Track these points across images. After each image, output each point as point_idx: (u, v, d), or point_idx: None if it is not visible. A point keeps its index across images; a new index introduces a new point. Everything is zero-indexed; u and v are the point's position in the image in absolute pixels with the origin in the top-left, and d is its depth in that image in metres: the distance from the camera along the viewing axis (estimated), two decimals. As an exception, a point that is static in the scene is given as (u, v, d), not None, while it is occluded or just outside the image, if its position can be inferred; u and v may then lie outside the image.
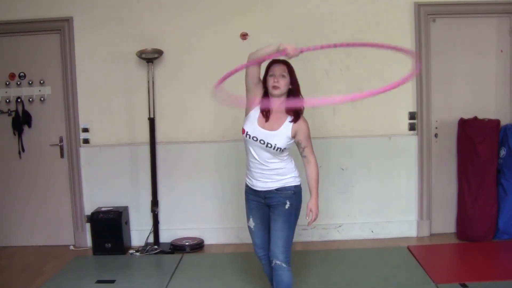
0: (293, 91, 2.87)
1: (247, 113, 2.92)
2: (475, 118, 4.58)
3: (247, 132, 2.84)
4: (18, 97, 4.75)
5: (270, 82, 2.83)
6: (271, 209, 2.91)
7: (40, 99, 4.77)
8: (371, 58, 4.53)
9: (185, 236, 4.74)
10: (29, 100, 4.76)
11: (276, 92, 2.82)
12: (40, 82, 4.75)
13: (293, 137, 2.85)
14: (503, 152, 4.55)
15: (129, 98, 4.72)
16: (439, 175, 4.76)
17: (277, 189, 2.87)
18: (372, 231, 4.76)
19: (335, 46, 2.54)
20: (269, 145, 2.80)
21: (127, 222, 4.69)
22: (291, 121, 2.83)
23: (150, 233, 4.69)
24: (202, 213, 4.77)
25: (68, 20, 4.63)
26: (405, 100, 4.69)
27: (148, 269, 4.23)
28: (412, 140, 4.70)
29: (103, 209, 4.61)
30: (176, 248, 4.59)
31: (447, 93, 4.72)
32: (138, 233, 4.76)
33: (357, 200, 4.75)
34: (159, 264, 4.40)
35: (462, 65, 4.66)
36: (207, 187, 4.74)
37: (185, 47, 4.65)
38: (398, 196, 4.74)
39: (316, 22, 4.55)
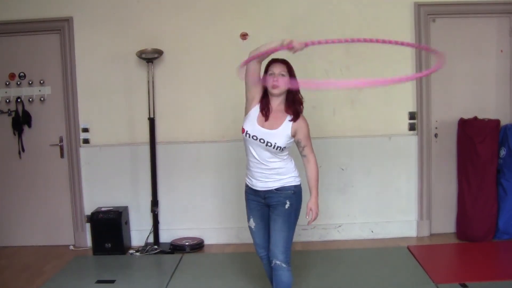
0: (293, 90, 2.87)
1: (246, 112, 2.92)
2: (475, 118, 4.58)
3: (246, 131, 2.85)
4: (18, 97, 4.75)
5: (270, 81, 2.83)
6: (271, 209, 2.91)
7: (40, 99, 4.77)
8: (371, 58, 4.53)
9: (185, 236, 4.74)
10: (29, 100, 4.76)
11: (275, 91, 2.82)
12: (40, 82, 4.75)
13: (293, 136, 2.85)
14: (503, 152, 4.55)
15: (129, 98, 4.72)
16: (439, 175, 4.76)
17: (277, 189, 2.87)
18: (372, 231, 4.76)
19: (339, 41, 2.52)
20: (269, 144, 2.80)
21: (127, 222, 4.69)
22: (290, 120, 2.83)
23: (150, 233, 4.69)
24: (202, 213, 4.77)
25: (68, 20, 4.63)
26: (405, 100, 4.69)
27: (148, 269, 4.23)
28: (412, 140, 4.70)
29: (103, 209, 4.61)
30: (176, 248, 4.59)
31: (447, 93, 4.72)
32: (138, 233, 4.76)
33: (357, 200, 4.75)
34: (159, 264, 4.40)
35: (462, 65, 4.66)
36: (207, 187, 4.75)
37: (185, 47, 4.65)
38: (398, 196, 4.74)
39: (316, 22, 4.55)
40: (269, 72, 2.85)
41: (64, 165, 4.81)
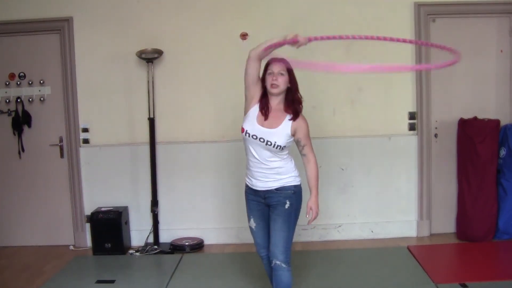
0: (292, 89, 2.88)
1: (245, 112, 2.92)
2: (475, 118, 4.58)
3: (246, 130, 2.84)
4: (18, 97, 4.75)
5: (269, 80, 2.83)
6: (271, 209, 2.90)
7: (40, 99, 4.77)
8: (371, 58, 4.52)
9: (185, 236, 4.74)
10: (29, 100, 4.76)
11: (274, 90, 2.82)
12: (40, 82, 4.75)
13: (293, 135, 2.85)
14: (503, 152, 4.55)
15: (129, 98, 4.72)
16: (439, 175, 4.76)
17: (277, 189, 2.87)
18: (372, 231, 4.76)
19: (347, 37, 2.52)
20: (269, 143, 2.79)
21: (127, 222, 4.69)
22: (290, 119, 2.84)
23: (150, 233, 4.69)
24: (202, 213, 4.77)
25: (68, 20, 4.63)
26: (405, 100, 4.69)
27: (148, 269, 4.23)
28: (412, 140, 4.70)
29: (103, 209, 4.60)
30: (176, 248, 4.59)
31: (447, 93, 4.72)
32: (138, 233, 4.76)
33: (357, 200, 4.75)
34: (159, 264, 4.40)
35: (462, 65, 4.64)
36: (207, 187, 4.74)
37: (185, 47, 4.65)
38: (398, 196, 4.74)
39: (316, 22, 4.55)
40: (268, 71, 2.85)
41: (64, 165, 4.81)
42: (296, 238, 3.28)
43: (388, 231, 4.75)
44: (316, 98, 4.45)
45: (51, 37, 4.70)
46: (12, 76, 4.75)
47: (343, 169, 4.72)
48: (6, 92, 4.76)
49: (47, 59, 4.74)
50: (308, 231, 4.68)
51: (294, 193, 2.88)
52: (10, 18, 4.63)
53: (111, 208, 4.61)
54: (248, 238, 3.15)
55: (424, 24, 4.57)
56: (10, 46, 4.75)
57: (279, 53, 2.84)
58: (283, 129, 2.82)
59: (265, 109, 2.85)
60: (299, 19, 4.57)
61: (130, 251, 4.60)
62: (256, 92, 2.89)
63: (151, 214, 4.67)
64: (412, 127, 4.70)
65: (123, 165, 4.74)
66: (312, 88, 4.32)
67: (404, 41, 3.33)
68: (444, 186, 4.77)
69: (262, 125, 2.83)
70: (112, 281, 3.87)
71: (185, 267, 4.14)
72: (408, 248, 4.36)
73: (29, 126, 4.77)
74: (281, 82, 2.82)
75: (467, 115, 4.62)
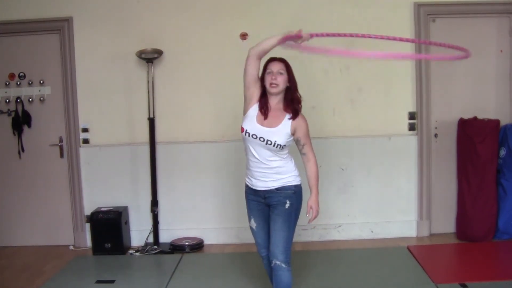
0: (291, 89, 2.88)
1: (245, 111, 2.92)
2: (475, 118, 4.58)
3: (246, 130, 2.84)
4: (18, 97, 4.75)
5: (268, 79, 2.83)
6: (271, 209, 2.90)
7: (40, 99, 4.77)
8: (371, 58, 4.53)
9: (185, 236, 4.74)
10: (29, 100, 4.76)
11: (274, 90, 2.83)
12: (40, 82, 4.75)
13: (293, 134, 2.85)
14: (503, 152, 4.55)
15: (129, 98, 4.72)
16: (439, 175, 4.76)
17: (277, 189, 2.87)
18: (372, 231, 4.76)
19: (350, 35, 2.54)
20: (269, 142, 2.79)
21: (126, 222, 4.69)
22: (290, 118, 2.84)
23: (150, 233, 4.69)
24: (202, 213, 4.77)
25: (68, 20, 4.63)
26: (405, 100, 4.69)
27: (148, 269, 4.23)
28: (412, 140, 4.70)
29: (103, 209, 4.60)
30: (176, 248, 4.59)
31: (447, 93, 4.72)
32: (138, 233, 4.76)
33: (357, 200, 4.75)
34: (159, 264, 4.40)
35: (462, 65, 4.66)
36: (207, 187, 4.74)
37: (185, 47, 4.65)
38: (398, 196, 4.74)
39: (316, 22, 4.54)
40: (267, 70, 2.86)
41: (64, 165, 4.81)
42: (296, 238, 3.28)
43: (388, 231, 4.75)
44: (316, 98, 4.45)
45: (51, 37, 4.70)
46: (12, 76, 4.75)
47: (343, 169, 4.72)
48: (6, 92, 4.76)
49: (47, 59, 4.74)
50: (308, 231, 4.68)
51: (295, 193, 2.88)
52: (10, 18, 4.63)
53: (111, 208, 4.61)
54: (248, 238, 3.16)
55: (424, 24, 4.57)
56: (10, 46, 4.75)
57: (282, 51, 2.84)
58: (283, 128, 2.82)
59: (264, 109, 2.85)
60: (299, 19, 4.56)
61: (130, 251, 4.60)
62: (256, 92, 2.89)
63: (151, 214, 4.67)
64: (412, 127, 4.70)
65: (123, 165, 4.74)
66: (312, 88, 4.34)
67: (414, 41, 3.32)
68: (444, 186, 4.77)
69: (262, 125, 2.83)
70: (112, 281, 3.87)
71: (185, 267, 4.14)
72: (408, 248, 4.36)
73: (29, 126, 4.77)
74: (280, 81, 2.82)
75: (467, 115, 4.62)
